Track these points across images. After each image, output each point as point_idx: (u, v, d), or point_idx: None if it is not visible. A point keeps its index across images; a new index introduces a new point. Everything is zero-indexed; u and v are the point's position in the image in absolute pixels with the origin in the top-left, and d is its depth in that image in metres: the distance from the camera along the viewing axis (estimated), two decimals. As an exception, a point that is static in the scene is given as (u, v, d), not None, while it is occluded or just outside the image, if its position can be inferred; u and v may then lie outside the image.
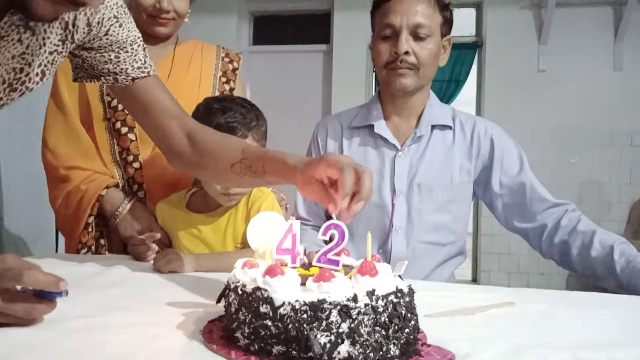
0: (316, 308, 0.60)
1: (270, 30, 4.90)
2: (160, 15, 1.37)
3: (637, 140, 4.18)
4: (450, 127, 1.32)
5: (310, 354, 0.59)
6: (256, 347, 0.62)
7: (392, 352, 0.62)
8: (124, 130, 1.37)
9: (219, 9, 4.51)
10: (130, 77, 0.96)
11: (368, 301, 0.62)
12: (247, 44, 4.85)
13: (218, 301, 0.72)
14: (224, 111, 1.22)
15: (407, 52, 1.22)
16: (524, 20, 4.29)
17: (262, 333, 0.62)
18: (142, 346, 0.63)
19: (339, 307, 0.60)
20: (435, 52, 1.26)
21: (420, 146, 1.30)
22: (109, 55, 0.94)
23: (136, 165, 1.39)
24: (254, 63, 4.86)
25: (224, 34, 4.52)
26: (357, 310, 0.60)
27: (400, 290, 0.65)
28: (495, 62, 4.34)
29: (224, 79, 1.52)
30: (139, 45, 0.97)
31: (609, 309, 0.89)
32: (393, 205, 1.28)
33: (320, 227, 1.38)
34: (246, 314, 0.64)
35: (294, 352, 0.60)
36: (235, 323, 0.65)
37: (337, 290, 0.61)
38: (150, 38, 1.41)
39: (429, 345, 0.67)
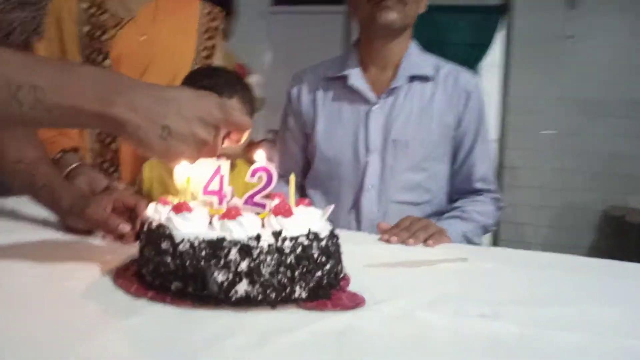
0: (215, 246, 0.58)
1: (291, -10, 4.81)
2: None
3: (670, 111, 3.97)
4: (431, 79, 1.26)
5: (206, 291, 0.57)
6: (157, 283, 0.61)
7: (297, 294, 0.60)
8: None
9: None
10: (24, 35, 0.91)
11: (273, 241, 0.59)
12: (268, 4, 4.78)
13: (136, 239, 0.71)
14: (210, 75, 1.24)
15: None
16: (553, -18, 4.07)
17: (163, 270, 0.60)
18: (52, 283, 0.63)
19: (239, 245, 0.58)
20: None
21: (397, 99, 1.24)
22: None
23: None
24: (275, 24, 4.80)
25: (243, -6, 4.45)
26: (258, 250, 0.58)
27: (315, 234, 0.63)
28: (521, 27, 4.15)
29: (206, 35, 1.49)
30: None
31: (566, 271, 0.84)
32: (366, 163, 1.23)
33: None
34: (150, 250, 0.62)
35: (190, 289, 0.58)
36: (143, 260, 0.64)
37: (240, 229, 0.59)
38: None
39: (345, 291, 0.65)
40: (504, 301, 0.64)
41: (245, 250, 0.58)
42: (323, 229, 0.65)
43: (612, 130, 4.05)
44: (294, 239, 0.60)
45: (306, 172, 1.36)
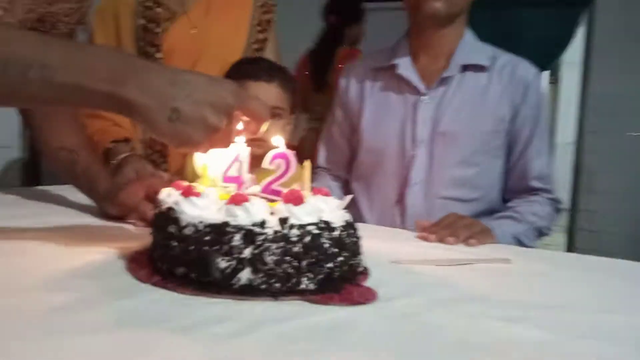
0: (219, 230, 0.56)
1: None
2: None
3: None
4: (485, 69, 1.18)
5: (209, 277, 0.55)
6: (165, 268, 0.60)
7: (303, 285, 0.56)
8: None
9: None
10: (69, 27, 0.92)
11: (279, 228, 0.56)
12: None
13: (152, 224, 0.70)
14: (252, 62, 1.27)
15: None
16: (644, -28, 3.76)
17: (170, 254, 0.59)
18: (66, 261, 0.63)
19: (243, 231, 0.55)
20: None
21: (448, 90, 1.18)
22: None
23: None
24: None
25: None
26: (263, 237, 0.55)
27: (326, 223, 0.59)
28: (607, 22, 3.87)
29: (259, 28, 1.49)
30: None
31: (620, 277, 0.75)
32: (413, 156, 1.18)
33: (338, 175, 1.34)
34: (159, 234, 0.61)
35: (193, 275, 0.56)
36: (153, 244, 0.63)
37: (246, 214, 0.57)
38: None
39: (360, 286, 0.61)
40: (536, 305, 0.58)
41: (249, 236, 0.55)
42: (337, 218, 0.61)
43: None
44: (302, 227, 0.57)
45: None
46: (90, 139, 1.25)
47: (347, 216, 0.64)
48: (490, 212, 1.19)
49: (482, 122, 1.16)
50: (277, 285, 0.56)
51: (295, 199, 0.59)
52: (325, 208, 0.61)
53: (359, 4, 2.92)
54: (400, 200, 1.19)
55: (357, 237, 0.65)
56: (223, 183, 0.69)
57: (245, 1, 1.49)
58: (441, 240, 0.90)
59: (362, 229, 0.67)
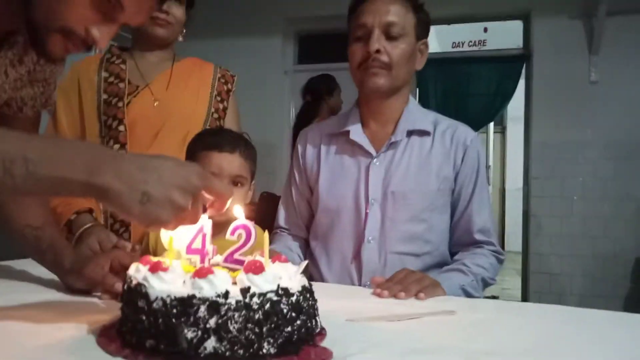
0: (185, 303, 0.61)
1: (315, 49, 4.98)
2: (159, 17, 1.43)
3: (698, 154, 3.86)
4: (429, 133, 1.29)
5: (177, 348, 0.60)
6: (134, 341, 0.64)
7: (265, 350, 0.61)
8: (116, 147, 1.41)
9: (265, 29, 4.64)
10: (35, 109, 0.97)
11: (241, 298, 0.62)
12: (291, 64, 4.95)
13: (121, 298, 0.74)
14: (215, 134, 1.32)
15: (378, 51, 1.21)
16: (573, 30, 4.09)
17: (139, 327, 0.63)
18: (36, 338, 0.66)
19: (207, 302, 0.61)
20: (408, 53, 1.24)
21: (396, 153, 1.28)
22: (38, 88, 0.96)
23: None
24: (299, 82, 4.94)
25: (269, 54, 4.65)
26: (226, 307, 0.61)
27: (285, 289, 0.65)
28: (544, 75, 4.16)
29: (218, 98, 1.57)
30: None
31: (559, 322, 0.83)
32: (366, 214, 1.26)
33: (298, 235, 1.40)
34: (129, 309, 0.65)
35: (162, 347, 0.61)
36: (123, 318, 0.67)
37: (210, 286, 0.62)
38: (148, 43, 1.48)
39: (317, 346, 0.66)
40: (481, 352, 0.64)
41: (213, 307, 0.60)
42: (295, 284, 0.67)
43: (640, 175, 3.96)
44: (263, 295, 0.63)
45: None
46: (54, 211, 1.28)
47: (304, 281, 0.71)
48: (441, 265, 1.27)
49: (428, 182, 1.25)
50: (241, 351, 0.60)
51: (256, 268, 0.65)
52: (283, 275, 0.67)
53: (330, 81, 3.54)
54: (357, 257, 1.26)
55: (314, 300, 0.71)
56: (187, 255, 0.74)
57: (205, 73, 1.58)
58: (394, 295, 0.97)
59: (320, 288, 0.73)
